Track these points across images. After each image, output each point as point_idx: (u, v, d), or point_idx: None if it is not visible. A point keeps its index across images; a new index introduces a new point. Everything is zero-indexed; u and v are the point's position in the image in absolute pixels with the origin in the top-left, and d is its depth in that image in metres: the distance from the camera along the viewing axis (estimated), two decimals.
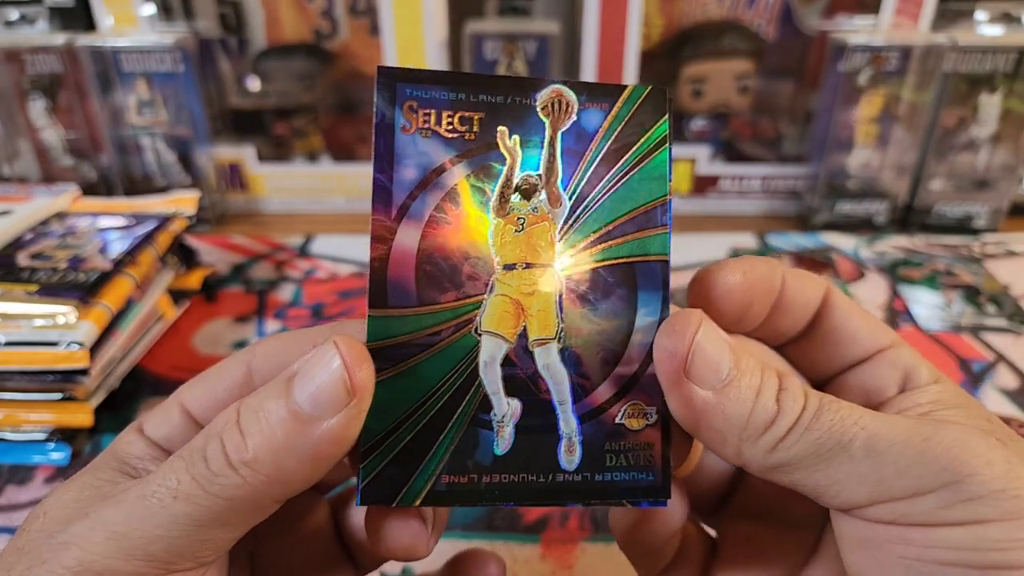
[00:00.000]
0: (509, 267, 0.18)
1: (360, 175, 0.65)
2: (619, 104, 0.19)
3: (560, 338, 0.18)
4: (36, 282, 0.39)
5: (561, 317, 0.18)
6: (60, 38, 0.58)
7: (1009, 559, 0.16)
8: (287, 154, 0.66)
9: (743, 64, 0.62)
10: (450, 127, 0.18)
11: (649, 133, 0.19)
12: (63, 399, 0.38)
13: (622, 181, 0.19)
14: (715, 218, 0.65)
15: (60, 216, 0.48)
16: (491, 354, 0.18)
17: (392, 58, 0.60)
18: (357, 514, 0.24)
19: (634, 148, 0.19)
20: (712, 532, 0.24)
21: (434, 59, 0.60)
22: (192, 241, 0.54)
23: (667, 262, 0.19)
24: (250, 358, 0.20)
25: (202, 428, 0.20)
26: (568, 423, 0.18)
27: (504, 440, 0.18)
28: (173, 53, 0.58)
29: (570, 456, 0.18)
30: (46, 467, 0.37)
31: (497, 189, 0.18)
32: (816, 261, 0.57)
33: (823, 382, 0.22)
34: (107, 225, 0.47)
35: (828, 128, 0.60)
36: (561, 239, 0.18)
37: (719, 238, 0.61)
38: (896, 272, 0.55)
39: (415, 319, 0.18)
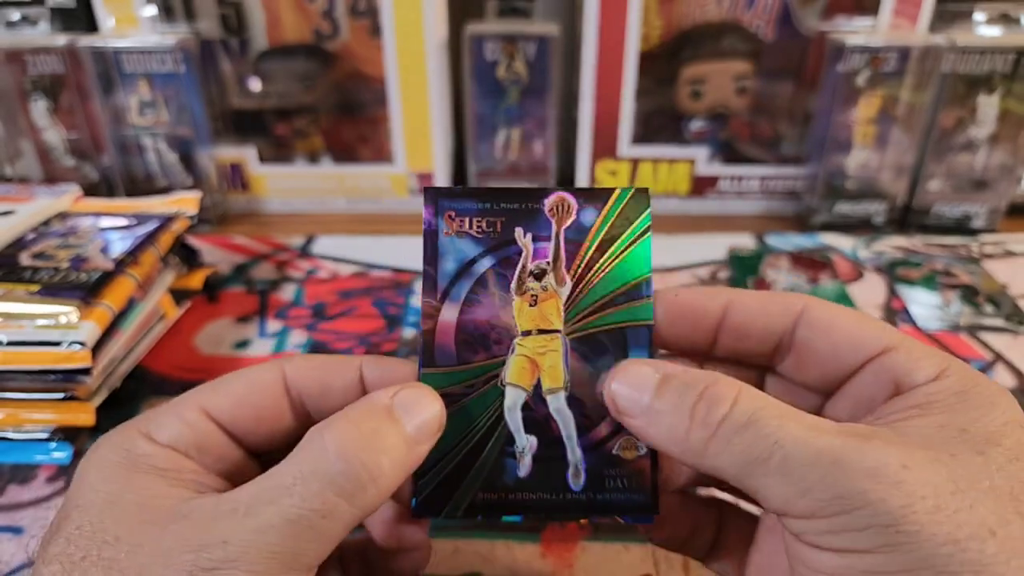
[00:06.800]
0: (526, 333, 0.23)
1: (361, 176, 0.66)
2: (609, 203, 0.24)
3: (567, 387, 0.23)
4: (38, 282, 0.39)
5: (567, 371, 0.23)
6: (62, 39, 0.58)
7: None
8: (288, 155, 0.66)
9: (742, 65, 0.62)
10: (479, 229, 0.23)
11: (634, 225, 0.24)
12: (65, 398, 0.38)
13: (614, 264, 0.23)
14: (714, 218, 0.65)
15: (62, 216, 0.48)
16: (513, 401, 0.23)
17: (392, 59, 0.60)
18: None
19: (622, 237, 0.23)
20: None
21: (434, 60, 0.60)
22: (194, 241, 0.54)
23: (651, 326, 0.23)
24: (281, 372, 0.23)
25: (226, 431, 0.22)
26: (574, 454, 0.23)
27: (525, 467, 0.23)
28: (174, 54, 0.58)
29: (576, 480, 0.23)
30: (48, 466, 0.37)
31: (516, 274, 0.23)
32: (814, 261, 0.57)
33: (825, 399, 0.23)
34: (109, 225, 0.47)
35: (826, 129, 0.60)
36: (566, 311, 0.23)
37: (718, 238, 0.61)
38: (894, 272, 0.55)
39: (456, 375, 0.23)
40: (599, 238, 0.23)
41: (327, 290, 0.54)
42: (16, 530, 0.34)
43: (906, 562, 0.16)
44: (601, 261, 0.23)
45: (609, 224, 0.23)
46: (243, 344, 0.47)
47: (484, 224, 0.23)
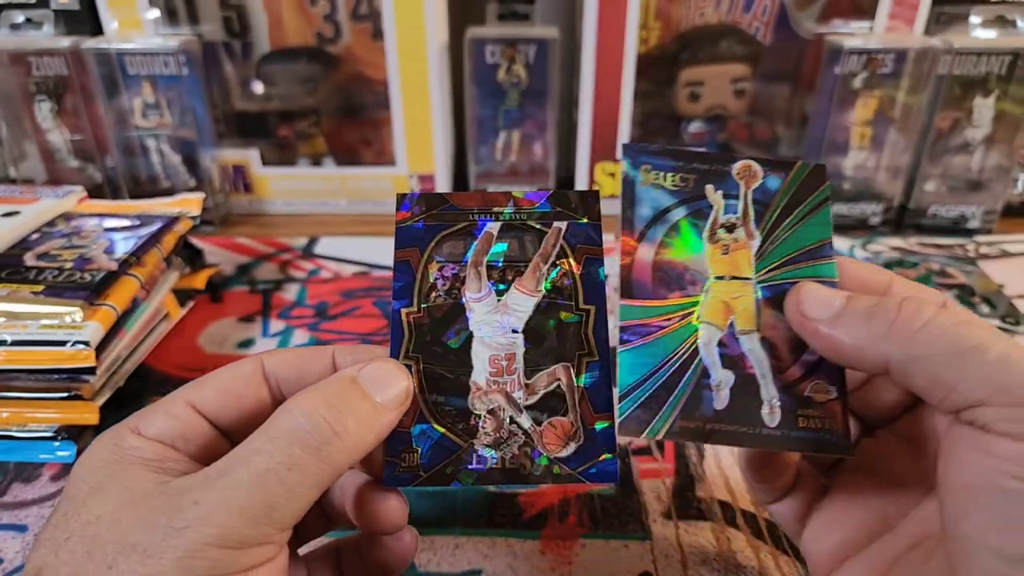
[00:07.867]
0: (719, 278, 0.25)
1: (363, 177, 0.66)
2: (792, 174, 0.26)
3: (760, 329, 0.25)
4: (42, 282, 0.40)
5: (759, 315, 0.25)
6: (66, 41, 0.59)
7: None
8: (291, 157, 0.66)
9: (740, 67, 0.63)
10: (673, 183, 0.26)
11: (815, 194, 0.26)
12: (69, 397, 0.38)
13: (798, 226, 0.25)
14: None
15: (66, 217, 0.48)
16: (708, 337, 0.24)
17: (394, 62, 0.60)
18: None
19: (804, 203, 0.26)
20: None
21: (435, 64, 0.60)
22: (197, 241, 0.55)
23: (836, 283, 0.25)
24: (260, 364, 0.24)
25: (211, 422, 0.23)
26: (768, 392, 0.24)
27: (721, 400, 0.24)
28: (178, 56, 0.58)
29: (771, 416, 0.24)
30: (52, 464, 0.38)
31: (708, 225, 0.25)
32: None
33: None
34: (113, 226, 0.47)
35: (824, 130, 0.61)
36: (756, 263, 0.25)
37: None
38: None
39: (651, 308, 0.25)
40: (784, 202, 0.26)
41: (329, 290, 0.54)
42: (20, 528, 0.34)
43: None
44: (787, 222, 0.25)
45: (794, 190, 0.26)
46: (246, 343, 0.48)
47: (678, 179, 0.26)
